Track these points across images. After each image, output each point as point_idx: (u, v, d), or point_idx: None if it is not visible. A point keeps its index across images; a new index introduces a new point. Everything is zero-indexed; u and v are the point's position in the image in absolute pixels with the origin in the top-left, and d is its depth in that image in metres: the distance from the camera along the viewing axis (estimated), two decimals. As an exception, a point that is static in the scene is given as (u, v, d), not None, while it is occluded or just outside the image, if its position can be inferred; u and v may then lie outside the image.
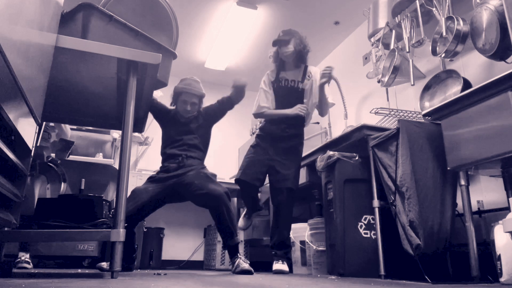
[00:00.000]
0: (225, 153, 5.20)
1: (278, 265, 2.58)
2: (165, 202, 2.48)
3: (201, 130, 2.64)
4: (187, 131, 2.59)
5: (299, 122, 2.78)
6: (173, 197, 2.47)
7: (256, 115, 2.88)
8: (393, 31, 2.99)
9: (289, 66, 2.84)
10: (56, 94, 1.92)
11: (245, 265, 2.25)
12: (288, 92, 2.80)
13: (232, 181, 4.56)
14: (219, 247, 4.04)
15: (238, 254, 2.33)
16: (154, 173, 2.57)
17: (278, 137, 2.75)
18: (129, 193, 2.31)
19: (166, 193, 2.42)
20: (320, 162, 2.53)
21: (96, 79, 1.85)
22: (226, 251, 2.49)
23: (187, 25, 4.18)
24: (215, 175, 2.50)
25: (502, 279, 1.69)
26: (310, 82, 2.81)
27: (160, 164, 2.59)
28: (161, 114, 2.67)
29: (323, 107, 2.81)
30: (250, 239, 3.75)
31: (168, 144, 2.59)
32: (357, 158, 2.42)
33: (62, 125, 2.88)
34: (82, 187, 2.75)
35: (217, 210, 2.33)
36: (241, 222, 2.97)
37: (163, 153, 2.61)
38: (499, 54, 2.12)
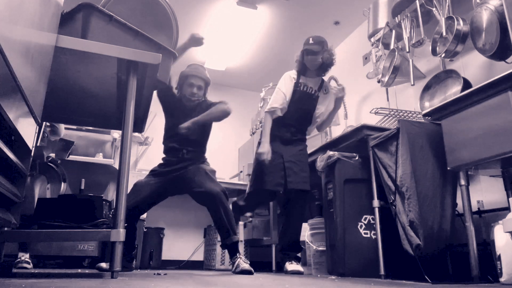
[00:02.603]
0: (225, 153, 5.20)
1: (294, 266, 2.57)
2: (166, 195, 2.51)
3: (200, 125, 2.62)
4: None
5: (304, 128, 2.82)
6: (174, 190, 2.51)
7: (266, 112, 2.81)
8: (393, 31, 2.99)
9: (310, 73, 2.84)
10: (56, 94, 1.91)
11: (245, 265, 2.25)
12: (304, 97, 2.79)
13: (232, 181, 4.59)
14: (219, 247, 4.03)
15: (238, 254, 2.33)
16: (156, 165, 2.58)
17: (288, 140, 2.74)
18: (130, 188, 2.34)
19: (167, 187, 2.46)
20: (320, 162, 2.53)
21: (96, 79, 1.85)
22: (226, 251, 2.49)
23: (187, 25, 4.17)
24: (214, 172, 2.52)
25: (502, 279, 1.69)
26: (325, 96, 2.85)
27: (162, 156, 2.63)
28: (168, 98, 2.62)
29: (325, 123, 2.89)
30: (250, 239, 3.75)
31: (169, 136, 2.60)
32: (357, 158, 2.42)
33: (56, 124, 2.87)
34: (82, 187, 2.75)
35: (214, 209, 2.37)
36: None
37: (164, 144, 2.63)
38: (499, 54, 2.12)
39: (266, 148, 2.64)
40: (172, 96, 2.63)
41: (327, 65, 2.78)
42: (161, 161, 2.58)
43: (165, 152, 2.61)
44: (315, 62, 2.75)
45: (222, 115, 2.56)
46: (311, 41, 2.77)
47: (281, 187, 2.65)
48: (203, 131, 2.64)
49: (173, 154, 2.53)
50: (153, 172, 2.50)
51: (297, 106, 2.78)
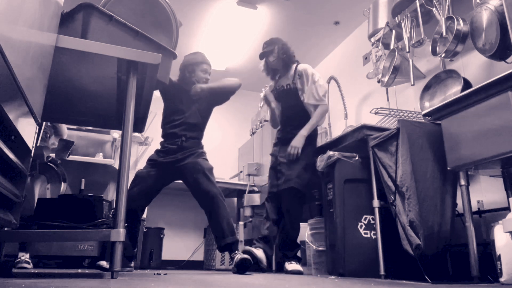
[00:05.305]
0: (225, 153, 5.20)
1: (293, 266, 2.59)
2: (168, 183, 2.59)
3: (203, 106, 2.66)
4: (190, 107, 2.61)
5: (301, 122, 2.81)
6: (174, 179, 2.58)
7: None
8: (393, 31, 2.98)
9: (281, 73, 2.98)
10: (56, 94, 1.91)
11: (244, 255, 2.27)
12: (286, 94, 2.93)
13: (232, 181, 4.59)
14: (219, 247, 4.04)
15: (237, 251, 2.36)
16: (154, 152, 2.61)
17: (286, 140, 2.83)
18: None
19: (167, 177, 2.53)
20: (320, 162, 2.53)
21: (96, 79, 1.85)
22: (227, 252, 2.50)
23: (187, 25, 4.17)
24: (211, 169, 2.54)
25: (502, 279, 1.69)
26: (300, 81, 2.88)
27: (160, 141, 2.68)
28: (168, 87, 2.62)
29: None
30: (250, 239, 3.75)
31: (169, 122, 2.62)
32: (357, 158, 2.42)
33: (59, 124, 2.88)
34: (82, 187, 2.75)
35: (209, 210, 2.41)
36: (253, 249, 2.67)
37: (163, 129, 2.66)
38: (499, 54, 2.12)
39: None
40: (171, 81, 2.63)
41: (283, 57, 2.91)
42: (160, 147, 2.61)
43: (163, 136, 2.64)
44: (273, 61, 2.92)
45: (236, 86, 2.69)
46: (264, 46, 2.99)
47: (275, 187, 2.79)
48: (204, 114, 2.68)
49: (172, 141, 2.55)
50: (153, 162, 2.53)
51: (284, 106, 2.95)
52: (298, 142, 2.72)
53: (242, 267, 2.24)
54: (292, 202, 2.69)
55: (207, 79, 2.69)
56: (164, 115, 2.68)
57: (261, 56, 2.98)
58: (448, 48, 2.41)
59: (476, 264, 1.80)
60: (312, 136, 2.86)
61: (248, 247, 2.63)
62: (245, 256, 2.26)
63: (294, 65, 2.93)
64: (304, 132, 2.76)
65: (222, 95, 2.70)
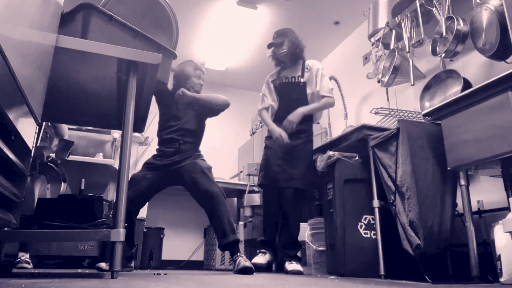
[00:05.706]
0: (225, 153, 5.20)
1: (293, 265, 2.59)
2: (164, 187, 2.56)
3: (197, 116, 2.65)
4: (187, 113, 2.60)
5: (306, 117, 2.81)
6: (172, 183, 2.55)
7: (258, 114, 3.10)
8: (393, 31, 2.99)
9: (288, 64, 2.95)
10: (56, 94, 1.91)
11: (246, 262, 2.25)
12: (289, 88, 2.90)
13: (232, 181, 4.59)
14: (219, 247, 4.04)
15: (239, 253, 2.34)
16: (151, 157, 2.59)
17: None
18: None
19: (163, 180, 2.51)
20: (320, 162, 2.53)
21: (96, 79, 1.85)
22: (227, 252, 2.49)
23: (187, 25, 4.18)
24: (210, 168, 2.52)
25: (502, 279, 1.69)
26: (309, 74, 2.87)
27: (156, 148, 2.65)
28: (163, 95, 2.67)
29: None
30: (250, 239, 3.75)
31: (165, 128, 2.61)
32: (357, 158, 2.42)
33: (59, 124, 2.88)
34: (82, 187, 2.75)
35: (210, 209, 2.39)
36: (257, 259, 2.71)
37: (159, 136, 2.64)
38: (499, 54, 2.12)
39: (276, 132, 2.74)
40: (166, 90, 2.66)
41: (295, 51, 2.88)
42: (156, 152, 2.59)
43: (160, 143, 2.62)
44: (281, 52, 2.89)
45: (223, 105, 2.63)
46: (274, 36, 2.95)
47: (269, 180, 2.74)
48: (200, 121, 2.67)
49: (170, 145, 2.53)
50: (149, 165, 2.51)
51: (286, 98, 2.90)
52: (295, 117, 2.72)
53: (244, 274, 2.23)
54: (296, 202, 2.69)
55: (201, 84, 2.70)
56: (161, 123, 2.67)
57: (269, 46, 2.97)
58: (448, 48, 2.41)
59: (476, 264, 1.80)
60: (310, 133, 2.87)
61: (254, 262, 2.58)
62: (248, 264, 2.23)
63: (301, 60, 2.93)
64: (303, 109, 2.75)
65: (207, 108, 2.64)
